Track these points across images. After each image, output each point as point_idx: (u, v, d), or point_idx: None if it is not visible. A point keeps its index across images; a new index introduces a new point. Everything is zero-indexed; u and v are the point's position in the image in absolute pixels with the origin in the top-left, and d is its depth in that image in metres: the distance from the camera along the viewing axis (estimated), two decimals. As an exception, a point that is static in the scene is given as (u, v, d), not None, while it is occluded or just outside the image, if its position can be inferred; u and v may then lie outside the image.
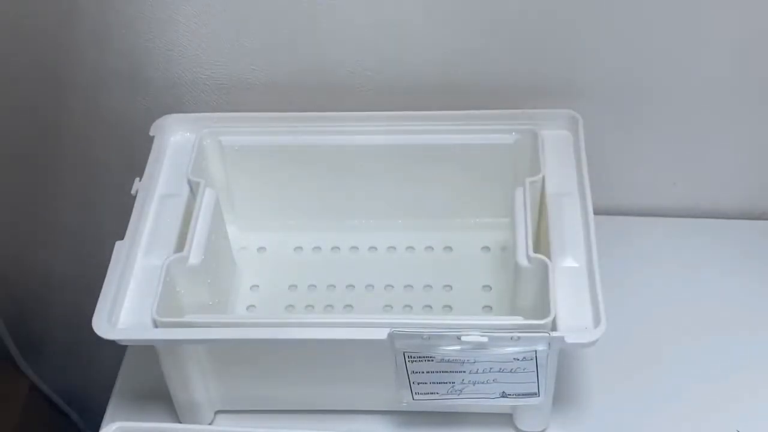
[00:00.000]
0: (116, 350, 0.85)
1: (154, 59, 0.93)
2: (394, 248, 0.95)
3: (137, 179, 0.86)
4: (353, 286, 0.92)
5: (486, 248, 0.94)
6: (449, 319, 0.78)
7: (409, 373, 0.75)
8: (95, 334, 0.74)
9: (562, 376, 0.83)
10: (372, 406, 0.84)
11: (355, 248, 0.96)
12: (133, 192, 0.85)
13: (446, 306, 0.90)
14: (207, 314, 0.82)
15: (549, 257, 0.78)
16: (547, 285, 0.75)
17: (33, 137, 1.02)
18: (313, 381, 0.82)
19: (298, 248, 0.96)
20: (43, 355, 1.23)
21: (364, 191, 0.94)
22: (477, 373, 0.74)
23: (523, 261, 0.78)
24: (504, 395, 0.76)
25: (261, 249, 0.96)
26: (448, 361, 0.74)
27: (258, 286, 0.93)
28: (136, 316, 0.77)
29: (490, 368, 0.74)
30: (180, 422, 0.84)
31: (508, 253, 0.89)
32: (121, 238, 0.81)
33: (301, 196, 0.95)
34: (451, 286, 0.92)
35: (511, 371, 0.74)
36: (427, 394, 0.77)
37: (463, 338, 0.72)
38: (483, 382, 0.75)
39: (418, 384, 0.76)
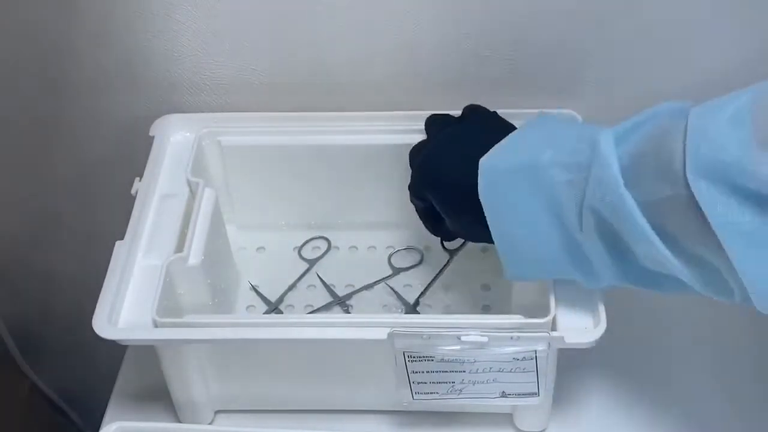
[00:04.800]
0: (116, 350, 0.85)
1: (154, 59, 0.93)
2: (393, 248, 0.95)
3: (137, 179, 0.86)
4: (353, 286, 0.92)
5: (485, 247, 0.94)
6: (449, 319, 0.79)
7: (409, 373, 0.75)
8: (95, 334, 0.74)
9: (562, 376, 0.83)
10: (372, 406, 0.84)
11: (354, 248, 0.96)
12: (133, 192, 0.85)
13: (446, 306, 0.90)
14: (207, 314, 0.82)
15: (549, 257, 0.78)
16: (546, 284, 0.75)
17: (33, 137, 1.02)
18: (313, 381, 0.82)
19: (298, 248, 0.96)
20: (43, 355, 1.23)
21: (363, 191, 0.94)
22: (477, 372, 0.74)
23: (522, 261, 0.78)
24: (504, 395, 0.76)
25: (260, 249, 0.96)
26: (448, 360, 0.74)
27: (258, 286, 0.93)
28: (136, 316, 0.77)
29: (490, 368, 0.74)
30: (180, 422, 0.84)
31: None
32: (121, 238, 0.81)
33: (300, 196, 0.95)
34: (450, 286, 0.92)
35: (510, 371, 0.74)
36: (427, 393, 0.77)
37: (463, 338, 0.72)
38: (483, 382, 0.75)
39: (418, 384, 0.76)
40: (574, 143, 0.69)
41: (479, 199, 0.72)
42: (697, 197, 0.59)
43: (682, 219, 0.61)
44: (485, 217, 0.72)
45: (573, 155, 0.68)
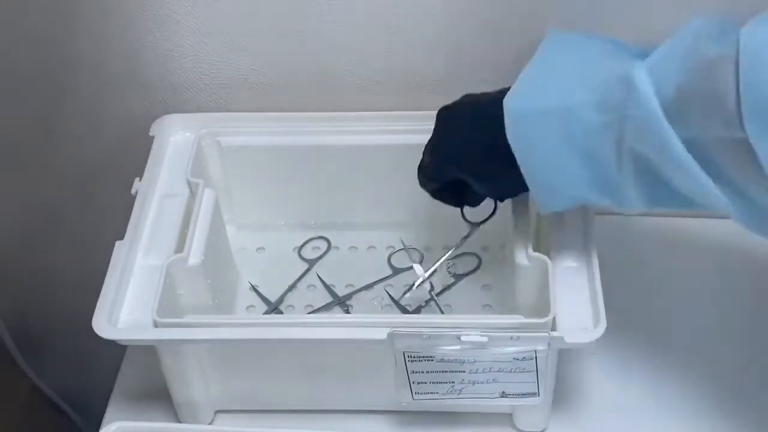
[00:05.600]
0: (116, 350, 0.85)
1: (154, 59, 0.93)
2: (393, 248, 0.95)
3: (137, 179, 0.86)
4: (353, 286, 0.92)
5: (485, 247, 0.94)
6: (449, 319, 0.78)
7: (409, 373, 0.75)
8: (95, 334, 0.74)
9: (562, 376, 0.83)
10: (372, 406, 0.84)
11: (354, 248, 0.96)
12: (133, 192, 0.85)
13: (446, 305, 0.90)
14: (207, 314, 0.82)
15: (549, 257, 0.78)
16: (546, 284, 0.75)
17: (33, 137, 1.02)
18: (313, 381, 0.82)
19: (298, 248, 0.96)
20: (43, 355, 1.23)
21: (363, 191, 0.94)
22: (477, 372, 0.74)
23: (522, 260, 0.78)
24: (504, 395, 0.76)
25: (260, 249, 0.96)
26: (448, 360, 0.74)
27: (258, 286, 0.93)
28: (136, 316, 0.77)
29: (490, 368, 0.74)
30: (180, 422, 0.84)
31: (508, 252, 0.89)
32: (121, 238, 0.81)
33: (300, 196, 0.95)
34: (450, 286, 0.92)
35: (510, 371, 0.74)
36: (427, 393, 0.77)
37: (463, 338, 0.72)
38: (483, 382, 0.75)
39: (418, 384, 0.76)
40: (604, 79, 0.65)
41: (506, 144, 0.69)
42: (755, 146, 0.55)
43: (735, 159, 0.58)
44: (510, 163, 0.69)
45: (605, 94, 0.64)
